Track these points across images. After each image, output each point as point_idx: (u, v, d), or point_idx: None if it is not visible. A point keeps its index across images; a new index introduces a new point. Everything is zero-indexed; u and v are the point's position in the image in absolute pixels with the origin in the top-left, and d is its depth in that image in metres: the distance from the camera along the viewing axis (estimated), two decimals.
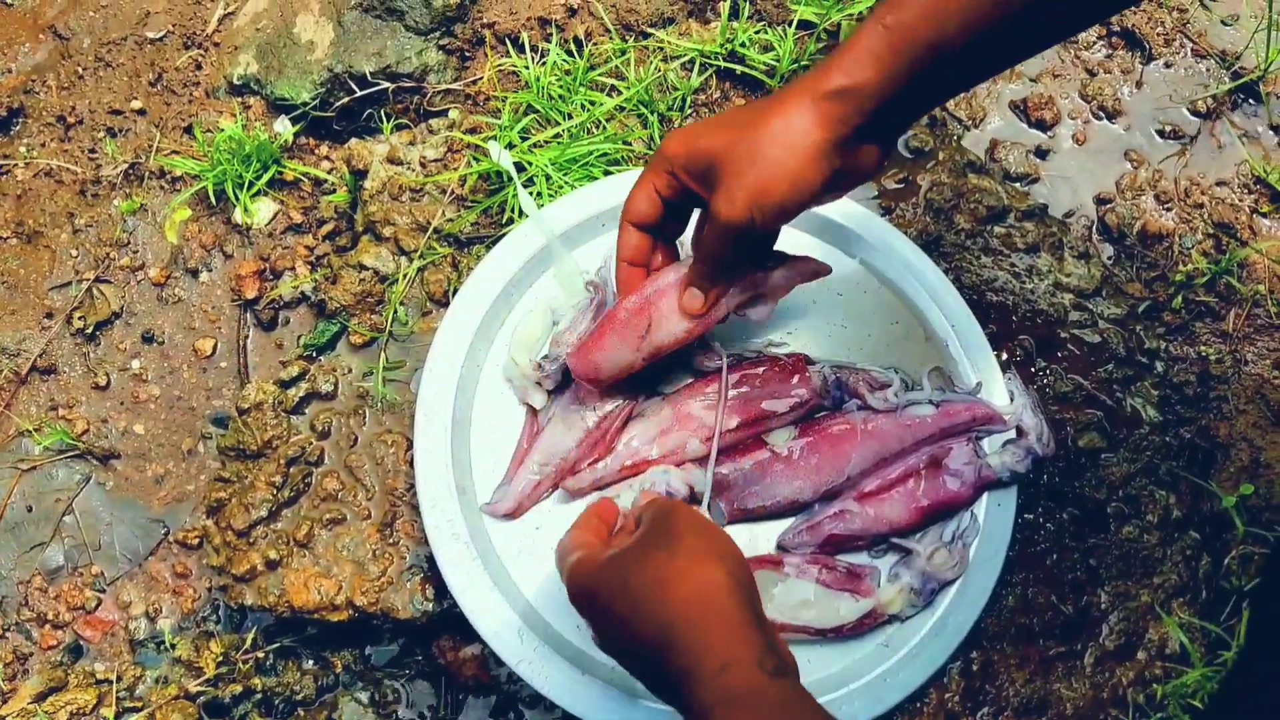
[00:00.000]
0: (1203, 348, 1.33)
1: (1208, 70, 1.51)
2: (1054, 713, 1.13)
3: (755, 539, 1.15)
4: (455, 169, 1.33)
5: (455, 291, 1.24)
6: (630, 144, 1.34)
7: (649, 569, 0.82)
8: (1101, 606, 1.18)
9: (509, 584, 1.11)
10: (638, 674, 0.85)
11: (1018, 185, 1.41)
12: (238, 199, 1.36)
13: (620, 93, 1.37)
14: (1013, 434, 1.19)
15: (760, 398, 1.17)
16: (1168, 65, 1.51)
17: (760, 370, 1.19)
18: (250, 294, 1.33)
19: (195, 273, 1.36)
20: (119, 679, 1.15)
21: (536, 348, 1.19)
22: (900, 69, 0.85)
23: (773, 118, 0.89)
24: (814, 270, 1.13)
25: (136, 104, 1.46)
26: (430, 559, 1.15)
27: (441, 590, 1.15)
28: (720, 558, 0.83)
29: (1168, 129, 1.48)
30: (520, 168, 1.29)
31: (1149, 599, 1.18)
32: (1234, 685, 0.86)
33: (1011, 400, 1.20)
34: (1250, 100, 1.50)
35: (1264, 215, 1.44)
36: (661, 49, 1.41)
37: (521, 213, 1.27)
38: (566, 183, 1.29)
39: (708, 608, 0.80)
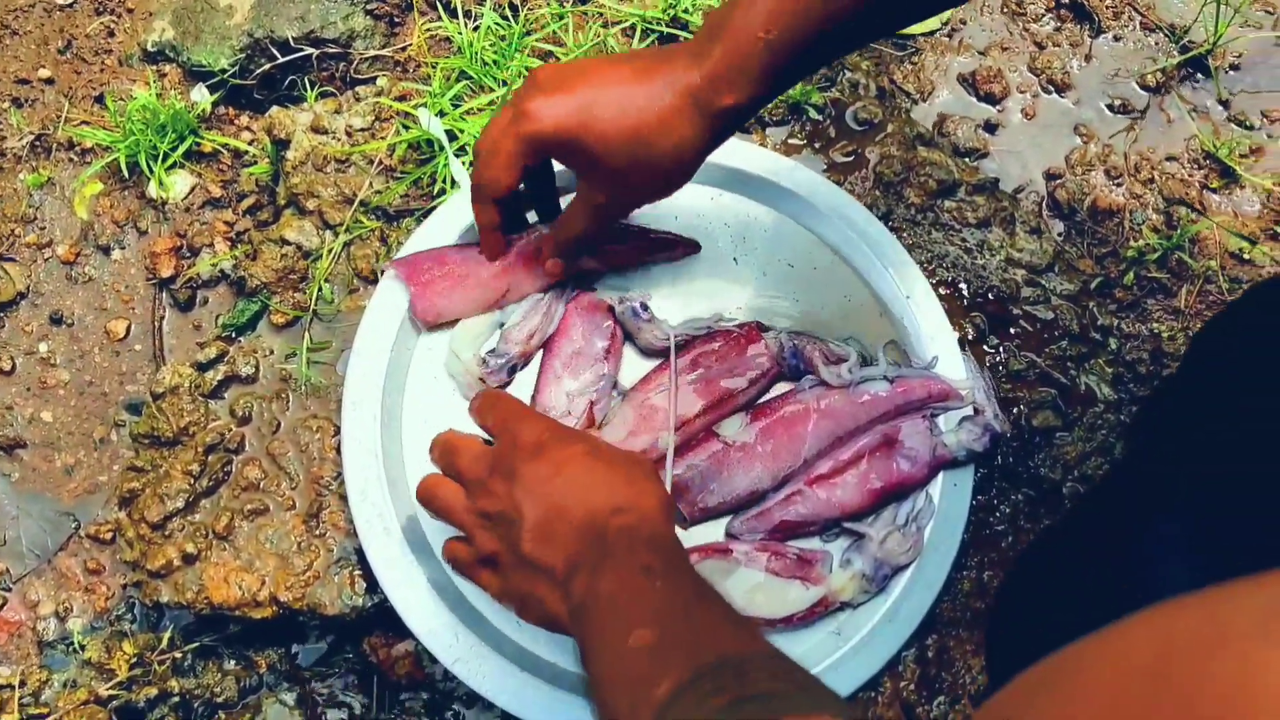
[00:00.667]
0: (1155, 325, 1.31)
1: (1156, 44, 1.49)
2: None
3: (703, 526, 1.10)
4: (383, 138, 1.26)
5: (384, 268, 1.18)
6: None
7: (532, 508, 0.84)
8: None
9: (444, 580, 1.05)
10: (536, 620, 0.86)
11: (967, 160, 1.38)
12: (152, 172, 1.28)
13: (558, 59, 1.30)
14: (969, 411, 1.15)
15: (719, 376, 1.12)
16: (1116, 39, 1.49)
17: (715, 346, 1.14)
18: (166, 272, 1.25)
19: (107, 250, 1.28)
20: (22, 683, 1.07)
21: (479, 342, 1.13)
22: (781, 83, 0.90)
23: (658, 119, 0.90)
24: (682, 252, 1.20)
25: (44, 72, 1.37)
26: (360, 551, 1.09)
27: (372, 584, 1.08)
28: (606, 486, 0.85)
29: (1117, 103, 1.45)
30: (452, 136, 1.22)
31: None
32: None
33: (968, 376, 1.17)
34: (1199, 75, 1.48)
35: (1214, 191, 1.41)
36: (601, 14, 1.35)
37: (454, 183, 1.21)
38: None
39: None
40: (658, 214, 1.19)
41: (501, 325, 1.14)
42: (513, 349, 1.12)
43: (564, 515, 0.82)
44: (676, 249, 1.20)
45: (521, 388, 1.13)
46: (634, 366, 1.16)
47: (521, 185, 1.02)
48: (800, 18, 0.85)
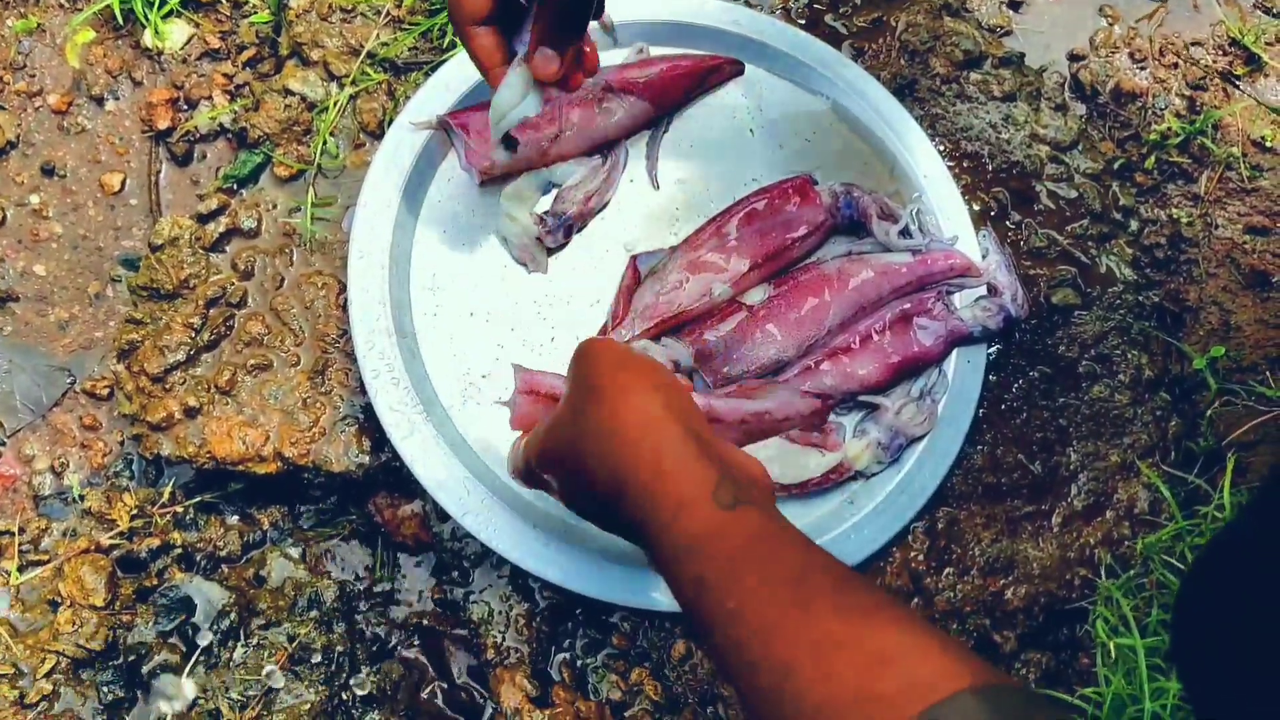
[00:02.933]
0: (1174, 210, 1.29)
1: None
2: (1020, 572, 1.09)
3: None
4: None
5: (391, 122, 1.13)
6: None
7: (584, 424, 0.75)
8: (1071, 466, 1.14)
9: (453, 432, 1.03)
10: (613, 531, 0.79)
11: (990, 35, 1.34)
12: (147, 20, 1.22)
13: None
14: (984, 290, 1.14)
15: (773, 229, 1.10)
16: None
17: (764, 201, 1.11)
18: (162, 124, 1.20)
19: (100, 101, 1.23)
20: (21, 530, 1.05)
21: (530, 204, 1.10)
22: None
23: None
24: (729, 71, 1.20)
25: None
26: (366, 409, 1.06)
27: (379, 442, 1.06)
28: (652, 389, 0.75)
29: None
30: None
31: (1119, 459, 1.14)
32: (1234, 538, 0.81)
33: (985, 257, 1.15)
34: None
35: (1238, 77, 1.38)
36: None
37: None
38: None
39: (649, 450, 0.72)
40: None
41: (553, 186, 1.12)
42: (570, 208, 1.10)
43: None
44: (722, 70, 1.19)
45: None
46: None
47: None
48: None
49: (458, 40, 0.94)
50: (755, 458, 0.79)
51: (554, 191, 1.12)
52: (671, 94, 1.16)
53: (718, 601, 0.65)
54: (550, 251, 1.11)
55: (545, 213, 1.10)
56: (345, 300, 1.06)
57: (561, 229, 1.10)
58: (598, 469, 0.74)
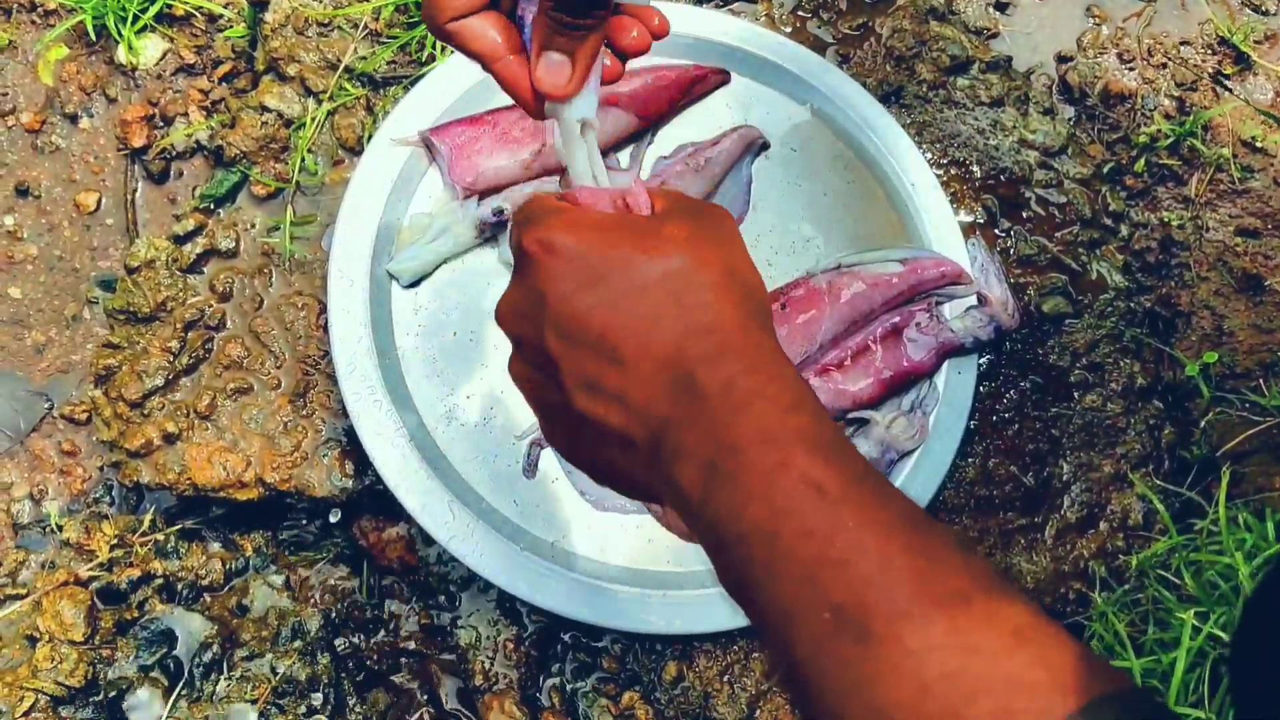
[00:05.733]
0: (1165, 213, 1.27)
1: None
2: (1014, 586, 1.08)
3: None
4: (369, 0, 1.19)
5: (370, 138, 1.11)
6: None
7: (699, 252, 0.56)
8: (1063, 478, 1.12)
9: (436, 454, 1.01)
10: (612, 458, 0.58)
11: (978, 38, 1.33)
12: (121, 35, 1.20)
13: None
14: (974, 301, 1.13)
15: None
16: None
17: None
18: (138, 142, 1.18)
19: (74, 118, 1.21)
20: None
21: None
22: None
23: None
24: (714, 82, 1.18)
25: None
26: (349, 432, 1.04)
27: (361, 465, 1.04)
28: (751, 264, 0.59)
29: None
30: None
31: (1112, 469, 1.12)
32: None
33: (975, 265, 1.14)
34: None
35: (1227, 77, 1.37)
36: None
37: (444, 48, 1.14)
38: None
39: (757, 328, 0.55)
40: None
41: None
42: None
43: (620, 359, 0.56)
44: (707, 80, 1.18)
45: None
46: None
47: None
48: None
49: (445, 43, 0.71)
50: None
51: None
52: (657, 105, 1.14)
53: (820, 547, 0.49)
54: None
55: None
56: (326, 321, 1.05)
57: None
58: (663, 323, 0.54)
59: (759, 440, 0.52)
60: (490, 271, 1.09)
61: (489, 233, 1.07)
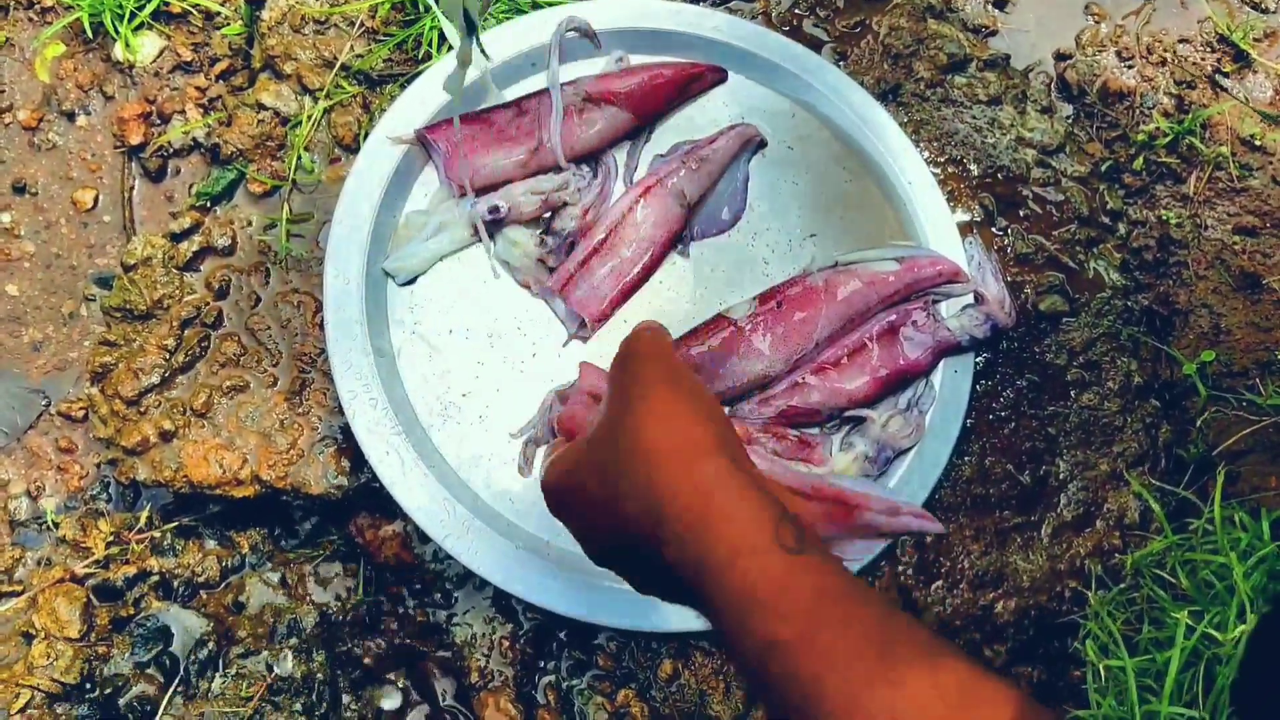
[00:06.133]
0: (1163, 211, 1.27)
1: None
2: (1010, 585, 1.08)
3: None
4: None
5: (366, 135, 1.11)
6: None
7: (621, 442, 0.65)
8: (1060, 476, 1.12)
9: (432, 452, 1.01)
10: (645, 582, 0.70)
11: (976, 36, 1.32)
12: (118, 33, 1.20)
13: None
14: (971, 299, 1.13)
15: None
16: None
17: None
18: (135, 140, 1.18)
19: (71, 116, 1.21)
20: None
21: (531, 229, 1.10)
22: None
23: None
24: (710, 79, 1.19)
25: None
26: (345, 429, 1.05)
27: (358, 463, 1.04)
28: (705, 415, 0.66)
29: None
30: None
31: (1108, 468, 1.12)
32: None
33: (971, 264, 1.14)
34: None
35: (1226, 75, 1.37)
36: None
37: (440, 45, 1.14)
38: (491, 15, 1.16)
39: (698, 479, 0.63)
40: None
41: (537, 196, 1.09)
42: (570, 225, 1.09)
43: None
44: (704, 78, 1.18)
45: None
46: None
47: None
48: None
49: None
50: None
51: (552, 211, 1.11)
52: (653, 103, 1.14)
53: (792, 665, 0.57)
54: (551, 269, 1.10)
55: (544, 233, 1.08)
56: (322, 318, 1.05)
57: (563, 247, 1.08)
58: (632, 496, 0.64)
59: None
60: (485, 269, 1.09)
61: (485, 230, 1.07)
